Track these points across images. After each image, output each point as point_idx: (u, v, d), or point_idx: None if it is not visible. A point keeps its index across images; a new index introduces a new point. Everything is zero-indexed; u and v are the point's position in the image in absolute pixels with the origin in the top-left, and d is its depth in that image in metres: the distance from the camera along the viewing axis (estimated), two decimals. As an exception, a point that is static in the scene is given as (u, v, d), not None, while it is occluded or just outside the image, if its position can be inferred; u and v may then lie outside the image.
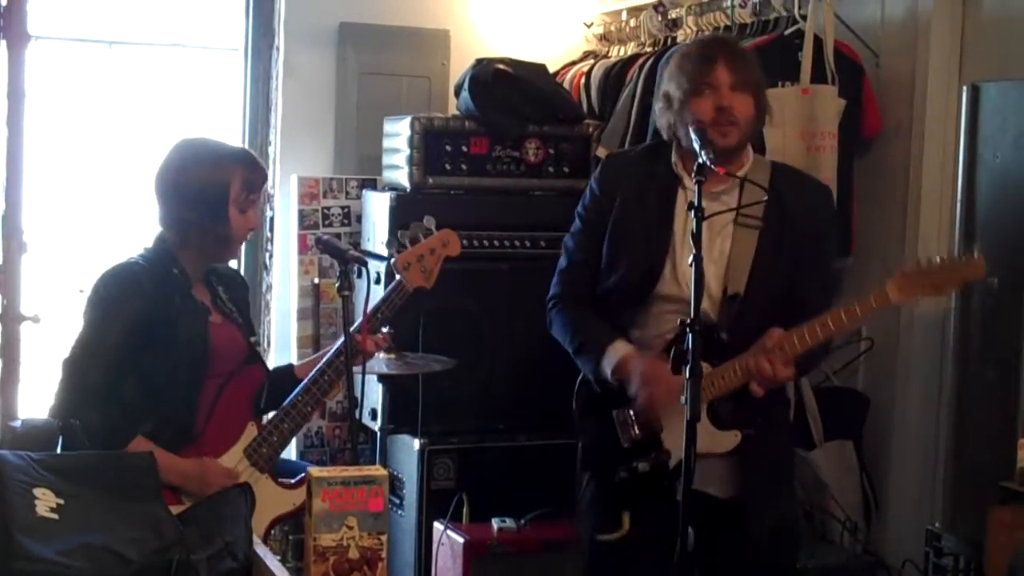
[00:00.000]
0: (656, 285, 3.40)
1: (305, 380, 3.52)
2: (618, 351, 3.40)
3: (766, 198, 3.34)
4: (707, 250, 3.31)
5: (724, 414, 3.25)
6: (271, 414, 3.57)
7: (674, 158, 3.48)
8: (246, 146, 5.49)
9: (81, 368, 3.33)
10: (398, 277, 3.60)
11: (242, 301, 3.67)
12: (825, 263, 3.55)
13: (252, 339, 3.63)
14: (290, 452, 4.93)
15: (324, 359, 3.53)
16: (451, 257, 3.70)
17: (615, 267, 3.47)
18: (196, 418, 3.40)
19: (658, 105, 3.50)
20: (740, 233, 3.34)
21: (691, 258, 2.94)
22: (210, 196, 3.42)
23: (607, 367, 3.41)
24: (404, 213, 4.83)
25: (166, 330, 3.35)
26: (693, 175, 3.07)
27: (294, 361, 5.26)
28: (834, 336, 3.38)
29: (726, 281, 3.36)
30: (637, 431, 3.39)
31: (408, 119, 4.91)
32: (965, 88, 4.07)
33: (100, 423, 3.21)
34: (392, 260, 3.60)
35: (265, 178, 3.60)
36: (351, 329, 3.39)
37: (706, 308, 3.27)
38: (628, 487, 3.39)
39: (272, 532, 3.56)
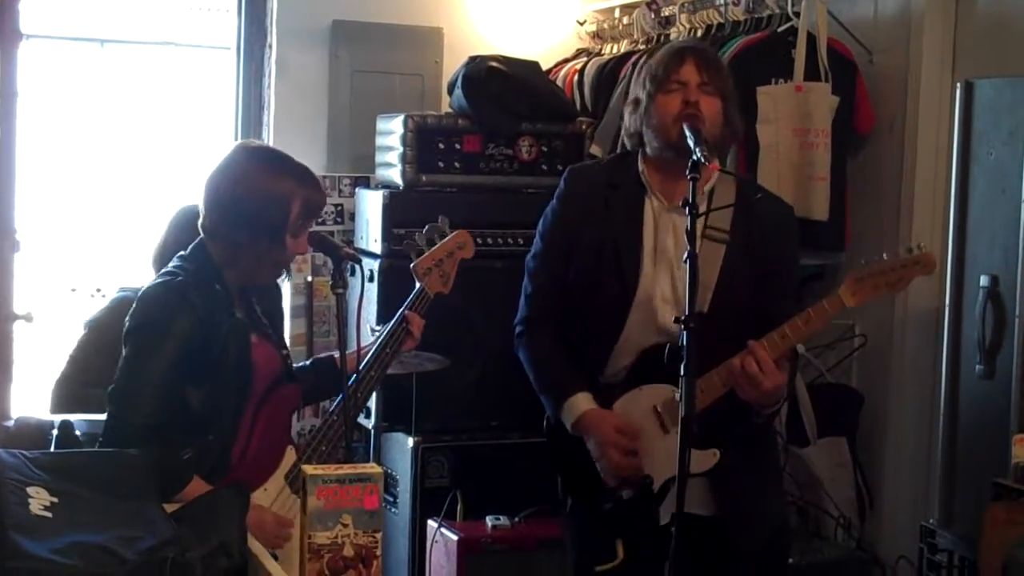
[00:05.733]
0: (632, 304, 3.34)
1: (336, 401, 3.38)
2: (576, 408, 3.34)
3: (733, 203, 3.32)
4: (676, 264, 3.29)
5: (701, 433, 3.19)
6: (307, 428, 3.42)
7: (641, 167, 3.42)
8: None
9: (132, 402, 3.07)
10: (419, 284, 3.51)
11: (276, 311, 3.49)
12: (792, 280, 3.52)
13: (284, 352, 3.40)
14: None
15: (355, 376, 3.31)
16: (466, 260, 3.60)
17: (587, 290, 3.40)
18: (236, 446, 3.21)
19: (627, 110, 3.46)
20: (707, 247, 3.24)
21: (685, 255, 2.93)
22: (269, 217, 3.16)
23: (567, 422, 3.37)
24: (397, 211, 4.84)
25: (213, 349, 3.12)
26: (688, 172, 3.02)
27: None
28: (795, 343, 3.32)
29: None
30: (615, 481, 3.33)
31: (401, 117, 4.91)
32: (958, 84, 4.07)
33: (158, 462, 2.89)
34: (412, 266, 3.51)
35: (324, 203, 3.34)
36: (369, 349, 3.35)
37: (672, 327, 3.17)
38: (616, 516, 3.36)
39: None
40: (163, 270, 3.24)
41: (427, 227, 3.61)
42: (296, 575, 2.60)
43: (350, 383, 3.28)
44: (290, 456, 3.34)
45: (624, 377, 3.37)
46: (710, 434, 3.19)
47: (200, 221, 3.25)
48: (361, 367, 3.38)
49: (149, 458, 2.87)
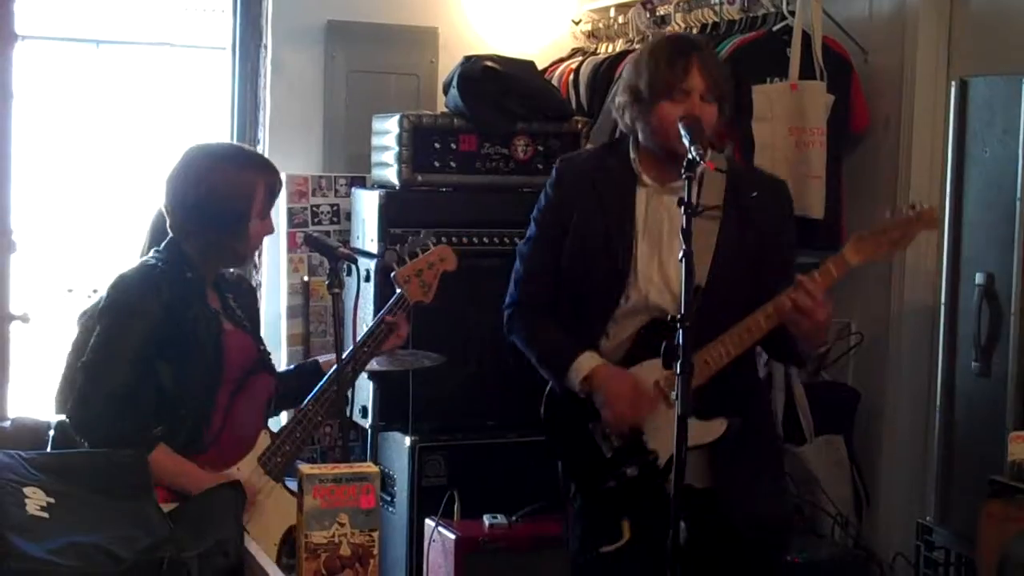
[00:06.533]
0: (625, 284, 3.36)
1: (315, 390, 3.49)
2: (585, 364, 3.35)
3: (721, 203, 3.33)
4: (669, 246, 3.31)
5: (707, 403, 3.18)
6: (284, 420, 3.54)
7: (632, 155, 3.43)
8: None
9: (101, 374, 3.20)
10: (399, 291, 3.58)
11: (251, 308, 3.60)
12: (791, 255, 3.51)
13: (261, 348, 3.55)
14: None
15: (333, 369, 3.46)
16: (448, 272, 3.67)
17: (579, 274, 3.42)
18: (209, 426, 3.33)
19: (622, 98, 3.41)
20: (700, 224, 3.19)
21: (681, 254, 2.92)
22: (233, 210, 3.33)
23: (575, 380, 3.37)
24: (393, 211, 4.84)
25: (183, 335, 3.26)
26: (683, 171, 3.03)
27: (283, 358, 5.29)
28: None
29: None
30: (617, 439, 3.36)
31: (397, 116, 4.91)
32: (953, 83, 4.07)
33: (122, 431, 3.11)
34: (392, 274, 3.59)
35: (281, 184, 3.52)
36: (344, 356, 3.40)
37: (669, 304, 3.26)
38: (620, 494, 3.36)
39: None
40: (141, 259, 3.39)
41: (410, 240, 3.72)
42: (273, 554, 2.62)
43: (324, 380, 3.47)
44: (264, 440, 3.44)
45: (622, 356, 3.37)
46: (716, 403, 3.20)
47: (168, 223, 3.39)
48: (315, 390, 3.50)
49: (113, 430, 3.08)
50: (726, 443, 3.31)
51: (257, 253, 5.56)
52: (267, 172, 3.44)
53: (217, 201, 3.32)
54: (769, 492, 3.51)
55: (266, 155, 5.46)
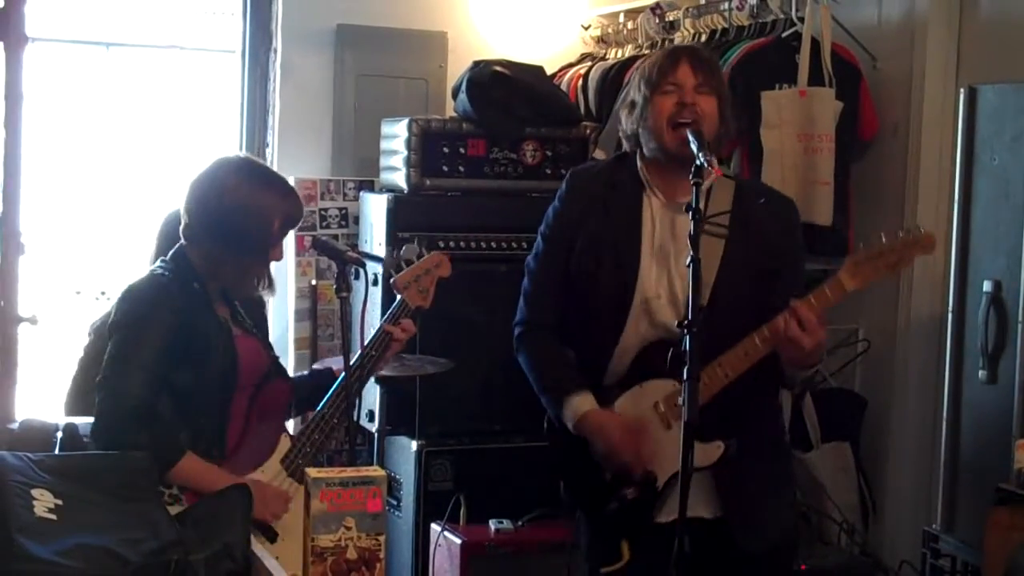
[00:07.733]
0: (632, 302, 3.34)
1: (330, 392, 3.49)
2: (577, 408, 3.34)
3: (730, 210, 3.32)
4: (676, 263, 3.30)
5: (704, 424, 3.16)
6: (302, 424, 3.55)
7: (639, 164, 3.43)
8: (243, 148, 5.51)
9: (120, 388, 3.17)
10: (399, 297, 3.60)
11: (259, 317, 3.60)
12: (800, 272, 3.49)
13: (272, 354, 3.54)
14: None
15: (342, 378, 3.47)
16: (444, 278, 3.69)
17: (585, 290, 3.40)
18: (229, 432, 3.33)
19: (623, 113, 3.45)
20: (706, 241, 3.18)
21: (688, 260, 2.92)
22: (252, 232, 3.30)
23: (568, 421, 3.37)
24: (402, 215, 4.84)
25: (196, 343, 3.25)
26: (691, 177, 3.03)
27: (291, 362, 5.29)
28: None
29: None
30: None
31: (406, 121, 4.91)
32: (962, 91, 4.08)
33: (149, 443, 3.05)
34: (392, 280, 3.60)
35: (302, 216, 3.48)
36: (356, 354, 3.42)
37: (672, 324, 3.21)
38: (621, 516, 3.35)
39: None
40: (149, 269, 3.38)
41: (404, 248, 3.72)
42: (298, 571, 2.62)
43: (337, 384, 3.46)
44: (285, 443, 3.45)
45: (625, 374, 3.36)
46: (714, 426, 3.19)
47: (181, 227, 3.37)
48: (329, 393, 3.50)
49: (139, 442, 3.01)
50: (731, 467, 3.28)
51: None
52: (289, 202, 3.39)
53: (236, 218, 3.28)
54: (778, 511, 3.47)
55: (275, 158, 5.51)
